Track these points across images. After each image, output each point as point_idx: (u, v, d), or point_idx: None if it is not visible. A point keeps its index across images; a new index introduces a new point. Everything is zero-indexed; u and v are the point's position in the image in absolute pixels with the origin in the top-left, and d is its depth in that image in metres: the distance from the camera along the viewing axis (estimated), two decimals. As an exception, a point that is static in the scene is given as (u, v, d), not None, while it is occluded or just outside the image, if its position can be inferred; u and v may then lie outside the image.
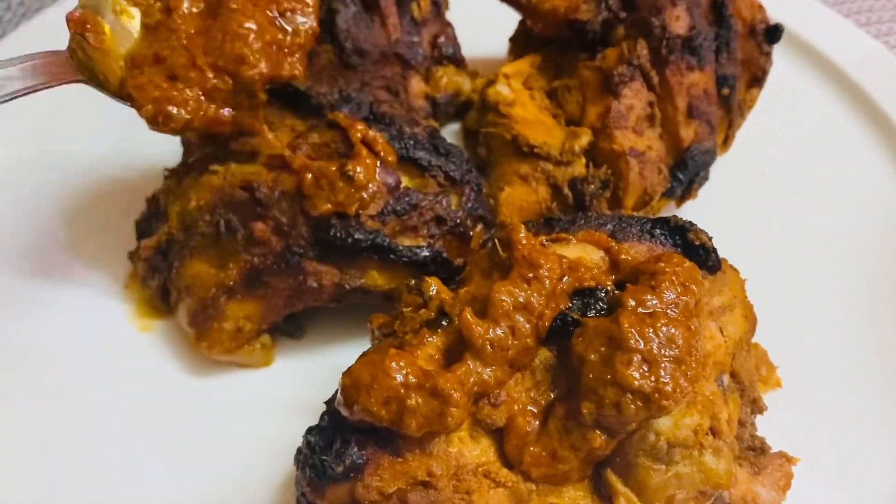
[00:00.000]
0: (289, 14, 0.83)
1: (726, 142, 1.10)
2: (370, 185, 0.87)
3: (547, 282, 0.71)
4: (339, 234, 0.86)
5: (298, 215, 0.88)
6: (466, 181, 0.94)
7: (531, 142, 1.02)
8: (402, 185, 0.90)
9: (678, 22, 1.02)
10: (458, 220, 0.91)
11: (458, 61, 1.20)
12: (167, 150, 1.06)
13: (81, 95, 0.88)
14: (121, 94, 0.82)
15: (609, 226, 0.81)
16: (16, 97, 0.79)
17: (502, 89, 1.09)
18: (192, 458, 0.88)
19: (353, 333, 0.96)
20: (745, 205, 1.13)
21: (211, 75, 0.81)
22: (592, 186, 1.00)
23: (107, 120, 1.15)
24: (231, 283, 0.89)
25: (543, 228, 0.82)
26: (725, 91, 1.05)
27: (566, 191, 1.01)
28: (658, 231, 0.80)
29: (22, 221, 1.07)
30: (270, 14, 0.82)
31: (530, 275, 0.72)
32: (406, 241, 0.89)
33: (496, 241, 0.75)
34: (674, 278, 0.71)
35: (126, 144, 1.15)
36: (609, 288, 0.73)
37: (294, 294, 0.90)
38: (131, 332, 0.97)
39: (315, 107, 1.09)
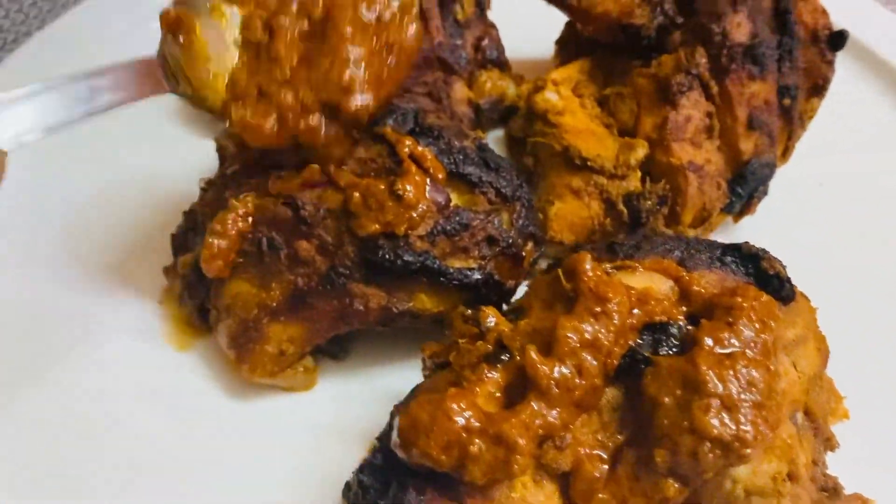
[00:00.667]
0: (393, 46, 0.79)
1: (785, 153, 1.05)
2: (420, 205, 0.83)
3: (616, 317, 0.67)
4: (387, 256, 0.82)
5: (344, 234, 0.84)
6: (517, 197, 0.90)
7: (583, 154, 0.97)
8: (451, 204, 0.85)
9: (739, 29, 0.97)
10: (510, 241, 0.87)
11: (502, 65, 1.15)
12: (203, 159, 1.02)
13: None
14: (221, 113, 0.80)
15: (677, 252, 0.76)
16: (105, 111, 0.76)
17: (551, 96, 1.04)
18: (230, 484, 0.84)
19: (399, 356, 0.93)
20: (803, 219, 1.08)
21: (315, 115, 0.78)
22: (649, 203, 0.95)
23: (141, 128, 1.12)
24: (274, 303, 0.85)
25: (606, 254, 0.78)
26: (787, 101, 1.00)
27: (620, 206, 0.96)
28: (729, 259, 0.75)
29: (54, 232, 1.03)
30: (377, 44, 0.78)
31: (598, 309, 0.67)
32: (456, 263, 0.85)
33: (559, 271, 0.71)
34: (752, 314, 0.66)
35: (161, 153, 1.12)
36: (681, 323, 0.69)
37: (339, 316, 0.86)
38: (167, 351, 0.93)
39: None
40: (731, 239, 1.01)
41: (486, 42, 1.13)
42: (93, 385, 0.90)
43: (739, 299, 0.67)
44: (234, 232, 0.84)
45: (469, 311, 0.74)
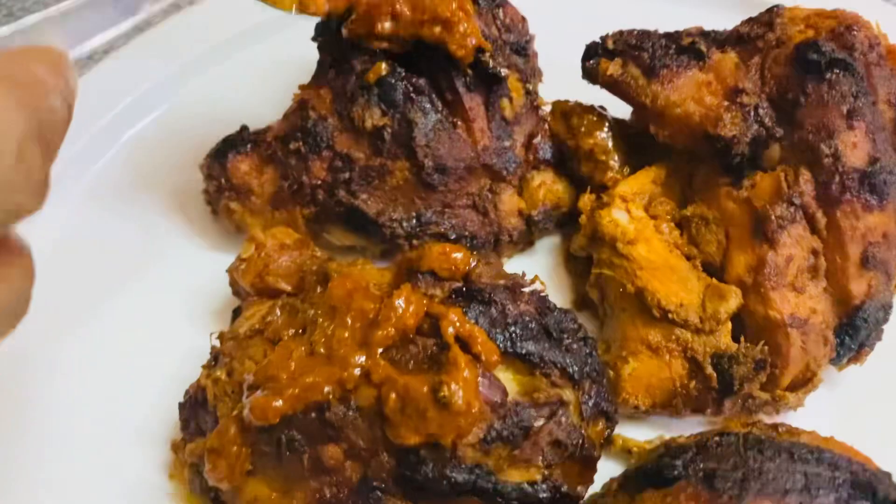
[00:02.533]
0: None
1: (902, 284, 0.88)
2: (471, 409, 0.68)
3: None
4: (431, 475, 0.68)
5: (380, 439, 0.69)
6: (586, 375, 0.75)
7: (663, 303, 0.81)
8: (508, 398, 0.70)
9: (855, 151, 0.79)
10: (580, 441, 0.72)
11: (557, 165, 0.98)
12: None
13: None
14: None
15: (793, 497, 0.61)
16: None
17: (620, 217, 0.88)
18: None
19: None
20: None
21: None
22: (744, 368, 0.79)
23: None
24: (297, 515, 0.72)
25: (705, 488, 0.63)
26: (909, 230, 0.83)
27: (709, 370, 0.80)
28: (862, 507, 0.60)
29: (48, 400, 0.90)
30: None
31: None
32: (516, 475, 0.70)
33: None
34: None
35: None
36: None
37: (376, 534, 0.72)
38: (176, 535, 0.81)
39: (387, 238, 0.90)
40: (833, 391, 0.86)
41: (538, 139, 0.97)
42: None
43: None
44: (235, 448, 0.71)
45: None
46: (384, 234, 0.91)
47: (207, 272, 0.96)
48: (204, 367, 0.83)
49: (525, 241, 0.99)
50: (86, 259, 1.00)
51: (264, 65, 1.19)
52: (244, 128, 0.97)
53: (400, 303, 0.72)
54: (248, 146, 0.95)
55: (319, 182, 0.91)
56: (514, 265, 0.99)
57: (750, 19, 0.90)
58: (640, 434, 0.85)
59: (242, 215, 0.97)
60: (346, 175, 0.90)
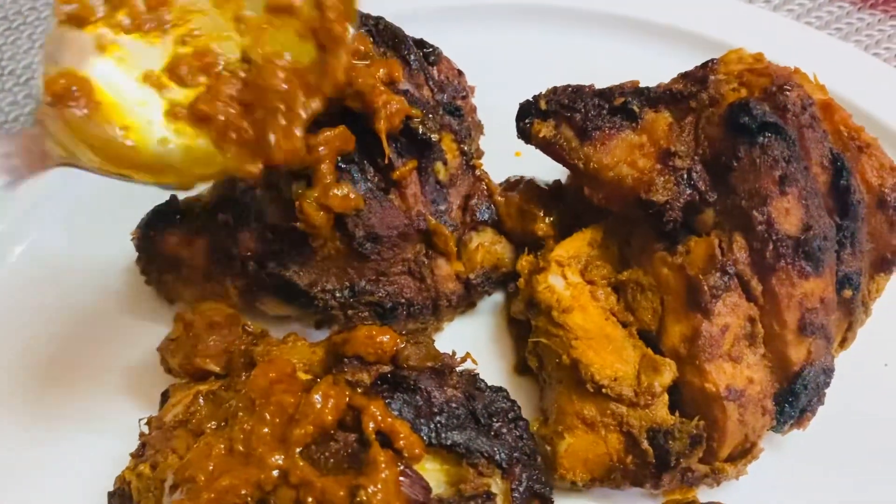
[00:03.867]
0: None
1: (844, 343, 0.86)
2: (391, 510, 0.66)
3: None
4: (354, 580, 0.66)
5: (301, 540, 0.67)
6: (516, 461, 0.73)
7: (597, 377, 0.79)
8: (432, 495, 0.68)
9: (788, 217, 0.77)
10: (510, 533, 0.70)
11: (496, 224, 0.96)
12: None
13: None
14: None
15: None
16: None
17: (556, 283, 0.86)
18: None
19: None
20: (869, 417, 0.90)
21: None
22: (679, 444, 0.77)
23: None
24: None
25: None
26: (848, 293, 0.81)
27: (645, 445, 0.78)
28: None
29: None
30: None
31: None
32: (443, 574, 0.68)
33: None
34: None
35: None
36: None
37: None
38: None
39: (321, 308, 0.88)
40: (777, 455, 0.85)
41: (475, 200, 0.95)
42: None
43: None
44: None
45: None
46: (317, 305, 0.89)
47: (143, 344, 0.94)
48: (132, 455, 0.81)
49: (465, 304, 0.97)
50: (19, 329, 0.97)
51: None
52: (173, 197, 0.94)
53: (318, 398, 0.70)
54: (178, 217, 0.92)
55: (249, 254, 0.89)
56: (455, 327, 0.98)
57: (684, 75, 0.88)
58: (583, 508, 0.84)
59: (174, 286, 0.94)
60: (277, 246, 0.88)
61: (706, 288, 0.78)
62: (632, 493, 0.84)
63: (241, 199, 0.88)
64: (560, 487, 0.82)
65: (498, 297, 1.00)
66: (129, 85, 0.73)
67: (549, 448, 0.81)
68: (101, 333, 0.98)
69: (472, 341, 0.93)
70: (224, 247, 0.90)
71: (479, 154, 1.02)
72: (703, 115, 0.84)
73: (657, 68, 0.94)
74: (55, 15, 0.70)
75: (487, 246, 0.95)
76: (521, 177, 0.99)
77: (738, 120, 0.79)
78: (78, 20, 0.71)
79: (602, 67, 1.01)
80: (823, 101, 0.86)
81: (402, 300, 0.91)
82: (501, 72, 1.11)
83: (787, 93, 0.81)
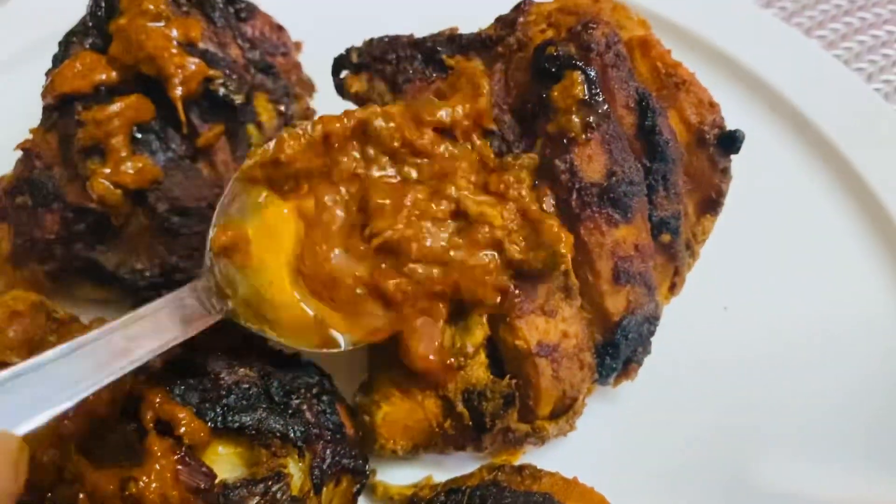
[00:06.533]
0: None
1: (673, 289, 0.84)
2: (167, 502, 0.63)
3: None
4: (133, 576, 0.63)
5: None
6: (316, 437, 0.70)
7: (408, 343, 0.76)
8: (217, 482, 0.65)
9: (591, 164, 0.74)
10: (304, 510, 0.67)
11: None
12: None
13: None
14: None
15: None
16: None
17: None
18: None
19: None
20: (710, 362, 0.88)
21: None
22: (493, 404, 0.75)
23: None
24: None
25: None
26: (666, 237, 0.79)
27: (460, 407, 0.76)
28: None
29: None
30: None
31: None
32: (234, 563, 0.66)
33: None
34: None
35: None
36: None
37: None
38: None
39: (133, 290, 0.84)
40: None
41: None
42: None
43: None
44: None
45: None
46: (129, 286, 0.85)
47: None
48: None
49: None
50: None
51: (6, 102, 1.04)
52: (-33, 184, 0.89)
53: (91, 390, 0.66)
54: (-27, 205, 0.87)
55: (53, 237, 0.84)
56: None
57: (498, 18, 0.84)
58: (412, 475, 0.81)
59: (-18, 278, 0.90)
60: (81, 227, 0.83)
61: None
62: (462, 458, 0.81)
63: (37, 180, 0.83)
64: (382, 457, 0.79)
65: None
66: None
67: (368, 419, 0.79)
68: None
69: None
70: (26, 231, 0.85)
71: (310, 113, 0.98)
72: (512, 61, 0.80)
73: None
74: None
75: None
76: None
77: (542, 62, 0.75)
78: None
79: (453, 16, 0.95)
80: (641, 38, 0.82)
81: (222, 275, 0.87)
82: (340, 26, 1.05)
83: (592, 31, 0.77)
